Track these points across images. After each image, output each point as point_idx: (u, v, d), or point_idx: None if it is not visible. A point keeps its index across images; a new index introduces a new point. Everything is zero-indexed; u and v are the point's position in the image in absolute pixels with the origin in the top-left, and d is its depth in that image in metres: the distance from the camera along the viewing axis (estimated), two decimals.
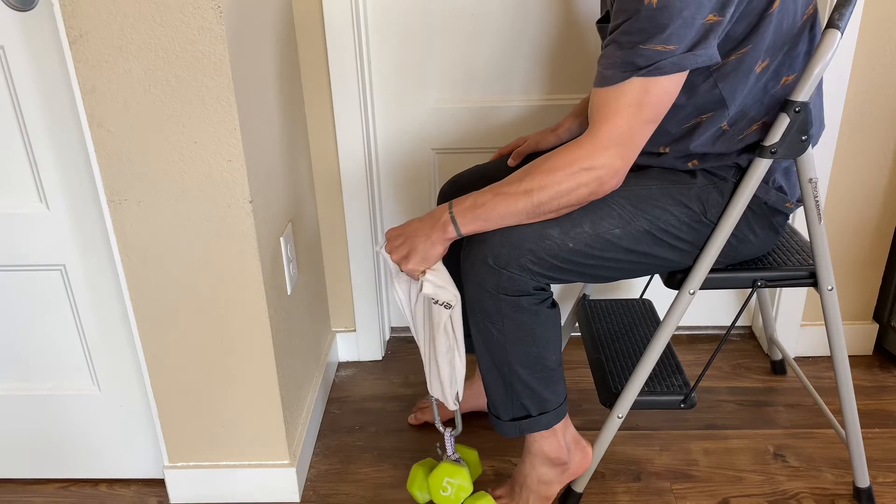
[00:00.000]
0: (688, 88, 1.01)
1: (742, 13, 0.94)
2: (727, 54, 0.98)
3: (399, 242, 1.09)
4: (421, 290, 1.07)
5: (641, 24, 0.91)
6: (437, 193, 1.54)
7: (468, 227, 1.04)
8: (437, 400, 1.23)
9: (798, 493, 1.34)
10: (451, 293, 1.08)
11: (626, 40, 0.92)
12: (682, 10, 0.89)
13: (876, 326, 1.71)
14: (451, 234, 1.05)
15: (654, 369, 1.24)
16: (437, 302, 1.08)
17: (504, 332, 1.09)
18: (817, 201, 1.08)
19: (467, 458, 1.30)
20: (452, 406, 1.19)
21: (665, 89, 0.94)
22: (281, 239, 1.29)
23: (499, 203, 1.02)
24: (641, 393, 1.21)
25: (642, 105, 0.94)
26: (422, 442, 1.50)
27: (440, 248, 1.07)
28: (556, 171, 0.98)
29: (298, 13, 1.45)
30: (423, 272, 1.08)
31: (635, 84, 0.93)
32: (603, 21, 1.11)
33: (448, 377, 1.15)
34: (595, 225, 1.05)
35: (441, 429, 1.26)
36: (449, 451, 1.26)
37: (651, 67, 0.91)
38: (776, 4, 0.95)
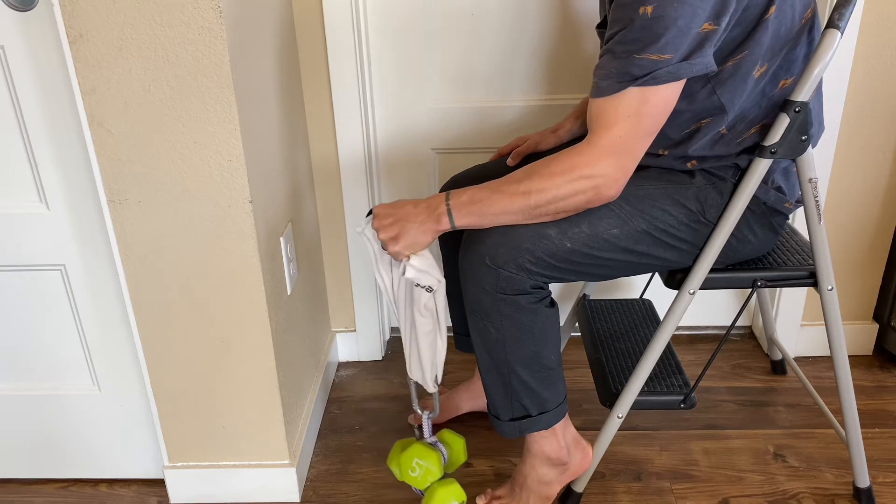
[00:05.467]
0: (687, 95, 1.00)
1: (738, 20, 0.94)
2: (724, 60, 0.98)
3: (389, 222, 1.07)
4: (403, 273, 1.06)
5: (636, 34, 0.90)
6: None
7: (463, 220, 1.04)
8: (415, 383, 1.23)
9: (798, 493, 1.34)
10: (433, 277, 1.07)
11: (621, 50, 0.92)
12: (677, 19, 0.88)
13: (876, 326, 1.71)
14: (445, 225, 1.05)
15: (654, 369, 1.24)
16: (418, 285, 1.07)
17: (502, 332, 1.09)
18: (817, 201, 1.08)
19: (453, 444, 1.28)
20: (432, 389, 1.18)
21: (663, 98, 0.93)
22: (281, 239, 1.29)
23: (496, 201, 1.02)
24: (641, 393, 1.21)
25: (641, 115, 0.94)
26: None
27: (430, 238, 1.06)
28: (556, 176, 0.98)
29: (298, 13, 1.45)
30: (408, 256, 1.07)
31: (633, 94, 0.93)
32: (602, 26, 1.11)
33: (428, 359, 1.14)
34: (593, 225, 1.05)
35: (419, 411, 1.25)
36: (426, 433, 1.25)
37: (647, 77, 0.91)
38: (772, 10, 0.95)
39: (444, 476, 1.25)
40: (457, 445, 1.28)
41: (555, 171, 0.98)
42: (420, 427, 1.27)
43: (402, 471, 1.22)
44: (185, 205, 1.12)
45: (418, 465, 1.21)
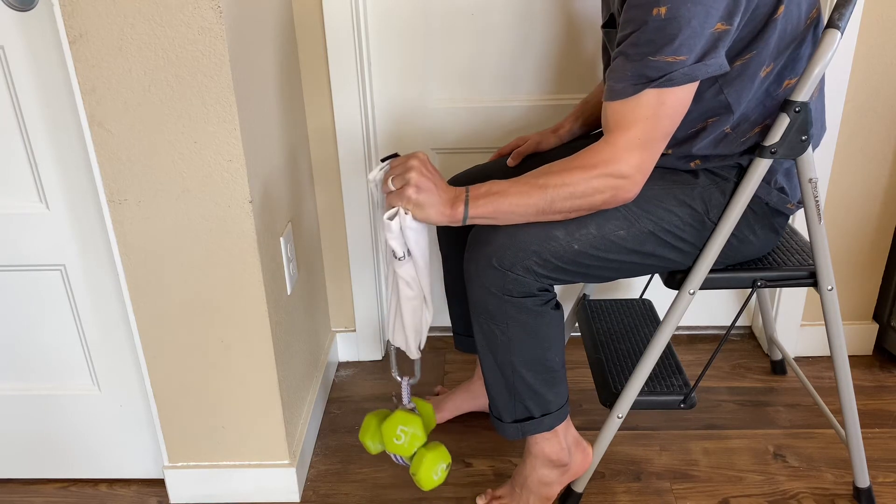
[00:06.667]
0: (694, 95, 1.00)
1: (747, 20, 0.94)
2: (732, 60, 0.97)
3: (425, 175, 1.00)
4: (389, 218, 1.00)
5: (650, 36, 0.90)
6: None
7: (477, 210, 1.01)
8: (396, 350, 1.20)
9: (798, 493, 1.34)
10: (403, 246, 1.01)
11: (634, 52, 0.92)
12: (691, 20, 0.88)
13: (876, 326, 1.71)
14: (459, 213, 1.01)
15: (654, 369, 1.24)
16: (387, 242, 1.02)
17: (508, 334, 1.09)
18: (817, 201, 1.08)
19: (422, 410, 1.23)
20: (415, 355, 1.14)
21: (679, 99, 0.93)
22: (281, 239, 1.29)
23: (513, 193, 1.00)
24: (641, 393, 1.21)
25: (658, 116, 0.93)
26: None
27: (438, 218, 1.01)
28: (576, 172, 0.97)
29: (298, 13, 1.45)
30: (407, 211, 1.00)
31: (649, 96, 0.92)
32: (608, 25, 1.11)
33: (411, 325, 1.10)
34: (600, 226, 1.05)
35: (398, 377, 1.20)
36: (405, 400, 1.20)
37: (663, 79, 0.91)
38: (781, 9, 0.94)
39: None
40: (427, 411, 1.23)
41: (575, 166, 0.98)
42: (398, 395, 1.22)
43: (386, 440, 1.17)
44: (185, 205, 1.12)
45: (403, 433, 1.17)
